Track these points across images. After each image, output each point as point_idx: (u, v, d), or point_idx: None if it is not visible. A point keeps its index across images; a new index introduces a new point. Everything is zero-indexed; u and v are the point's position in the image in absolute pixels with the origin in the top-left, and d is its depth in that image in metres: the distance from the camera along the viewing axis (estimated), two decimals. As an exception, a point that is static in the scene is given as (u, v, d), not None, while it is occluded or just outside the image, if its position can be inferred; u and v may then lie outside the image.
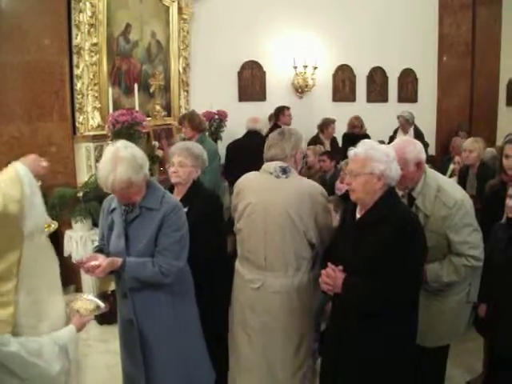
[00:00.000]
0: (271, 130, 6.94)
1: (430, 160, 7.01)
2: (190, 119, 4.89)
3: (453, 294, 2.74)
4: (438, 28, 8.69)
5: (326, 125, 6.93)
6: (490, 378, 3.22)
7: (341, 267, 2.30)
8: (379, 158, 2.26)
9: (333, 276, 2.29)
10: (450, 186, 2.72)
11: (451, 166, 6.27)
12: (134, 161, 2.29)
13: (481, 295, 2.91)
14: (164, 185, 2.78)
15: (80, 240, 4.48)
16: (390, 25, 8.06)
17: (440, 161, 7.32)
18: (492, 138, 8.65)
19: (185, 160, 3.02)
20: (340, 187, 4.73)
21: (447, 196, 2.60)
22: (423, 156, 2.68)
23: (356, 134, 6.75)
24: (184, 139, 4.68)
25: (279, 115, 6.76)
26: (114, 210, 2.49)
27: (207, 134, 6.26)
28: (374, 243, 2.22)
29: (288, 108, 6.89)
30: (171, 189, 3.08)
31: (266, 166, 2.77)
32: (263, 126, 5.96)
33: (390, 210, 2.28)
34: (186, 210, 2.74)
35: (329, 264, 2.34)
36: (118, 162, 2.24)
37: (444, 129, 8.81)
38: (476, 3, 8.78)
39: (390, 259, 2.17)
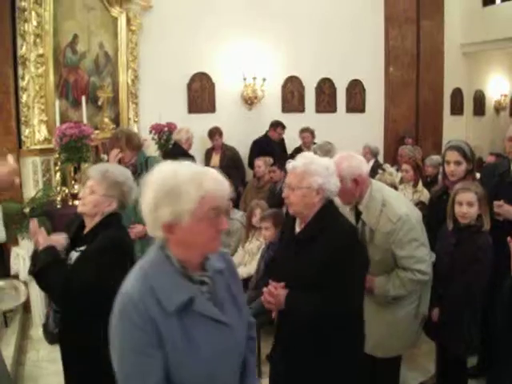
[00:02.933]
0: (261, 140, 7.22)
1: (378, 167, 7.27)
2: (129, 139, 3.81)
3: (401, 307, 2.78)
4: (384, 40, 8.98)
5: (276, 125, 7.24)
6: (441, 378, 3.34)
7: (282, 284, 2.29)
8: (318, 171, 2.25)
9: (275, 294, 2.29)
10: (395, 200, 2.73)
11: (399, 174, 6.48)
12: None
13: (433, 299, 2.98)
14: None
15: (27, 257, 4.29)
16: (337, 37, 8.27)
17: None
18: (438, 146, 9.04)
19: (96, 186, 2.37)
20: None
21: (392, 211, 2.62)
22: (360, 171, 2.66)
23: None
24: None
25: (271, 129, 7.25)
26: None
27: (156, 146, 6.23)
28: (314, 257, 2.21)
29: (283, 127, 7.30)
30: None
31: None
32: (182, 136, 5.89)
33: (328, 224, 2.27)
34: (77, 252, 2.34)
35: (270, 282, 2.34)
36: None
37: (391, 138, 9.08)
38: (420, 16, 9.14)
39: (330, 273, 2.16)
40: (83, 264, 2.26)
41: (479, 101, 10.91)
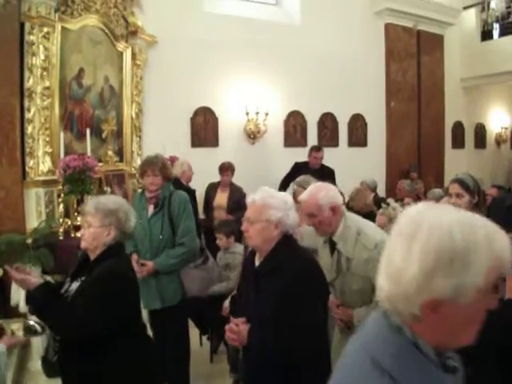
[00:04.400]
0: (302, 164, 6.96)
1: (380, 201, 7.23)
2: (163, 167, 3.78)
3: None
4: (385, 75, 9.10)
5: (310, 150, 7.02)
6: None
7: (243, 319, 2.28)
8: (277, 205, 2.30)
9: (236, 330, 2.27)
10: (370, 228, 2.75)
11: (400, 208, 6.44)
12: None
13: None
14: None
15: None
16: (339, 72, 8.39)
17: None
18: (440, 180, 9.05)
19: (92, 219, 2.39)
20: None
21: (367, 238, 2.61)
22: (337, 200, 2.70)
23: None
24: (142, 191, 3.97)
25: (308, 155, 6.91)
26: None
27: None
28: (271, 292, 2.21)
29: (317, 149, 6.93)
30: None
31: None
32: (177, 170, 5.73)
33: (285, 258, 2.28)
34: (78, 282, 2.41)
35: (231, 318, 2.34)
36: None
37: (393, 171, 9.08)
38: (420, 51, 9.31)
39: (285, 308, 2.16)
40: (82, 296, 2.29)
41: (480, 134, 10.97)
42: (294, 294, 2.16)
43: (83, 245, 2.42)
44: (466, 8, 10.00)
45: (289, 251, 2.32)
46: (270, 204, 2.29)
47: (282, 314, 2.15)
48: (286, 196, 2.46)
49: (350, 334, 2.62)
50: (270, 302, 2.18)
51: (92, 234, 2.38)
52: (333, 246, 2.73)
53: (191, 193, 5.41)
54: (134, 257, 3.69)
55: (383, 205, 6.69)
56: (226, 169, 6.51)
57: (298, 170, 6.80)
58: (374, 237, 2.62)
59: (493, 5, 10.21)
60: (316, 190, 2.69)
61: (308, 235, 3.10)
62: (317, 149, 6.89)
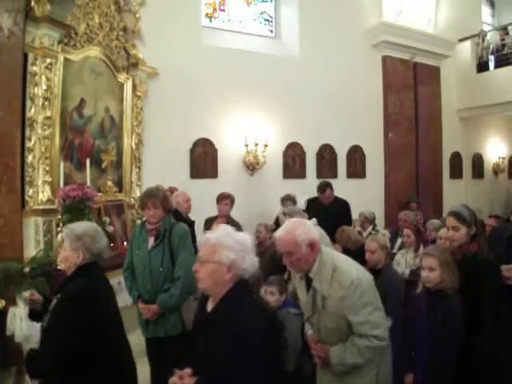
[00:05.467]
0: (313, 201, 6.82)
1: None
2: (164, 199, 3.79)
3: (360, 376, 2.62)
4: (382, 106, 9.23)
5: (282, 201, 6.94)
6: None
7: (188, 371, 2.06)
8: (231, 246, 2.13)
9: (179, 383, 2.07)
10: (345, 264, 2.65)
11: (399, 240, 6.43)
12: None
13: (405, 364, 2.93)
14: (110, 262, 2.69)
15: (25, 317, 4.13)
16: (337, 104, 8.52)
17: (389, 234, 7.48)
18: (438, 210, 9.04)
19: (65, 244, 2.74)
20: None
21: (343, 275, 2.54)
22: (314, 236, 2.60)
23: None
24: (143, 222, 3.94)
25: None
26: None
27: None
28: (220, 343, 2.04)
29: (322, 191, 6.61)
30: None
31: None
32: (173, 201, 5.66)
33: (237, 306, 2.09)
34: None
35: (175, 371, 2.11)
36: None
37: (392, 202, 9.10)
38: (417, 82, 9.50)
39: (238, 363, 1.97)
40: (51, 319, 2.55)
41: (478, 164, 11.07)
42: (244, 348, 1.97)
43: (60, 266, 2.83)
44: (461, 40, 10.24)
45: (242, 298, 2.13)
46: (224, 244, 2.12)
47: (232, 369, 1.96)
48: (245, 237, 2.25)
49: (328, 370, 2.58)
50: (219, 355, 2.00)
51: (63, 257, 2.73)
52: (309, 282, 2.65)
53: (190, 224, 5.36)
54: (140, 303, 3.73)
55: (372, 231, 6.68)
56: (225, 197, 6.10)
57: (312, 207, 6.78)
58: (349, 273, 2.54)
59: (488, 37, 10.47)
60: (293, 226, 2.59)
61: None
62: (321, 190, 6.64)
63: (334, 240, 5.54)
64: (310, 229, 2.61)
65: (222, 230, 2.24)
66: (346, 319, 2.52)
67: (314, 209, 6.73)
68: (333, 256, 2.68)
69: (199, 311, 2.34)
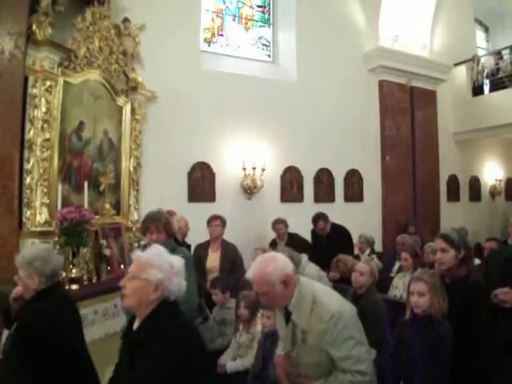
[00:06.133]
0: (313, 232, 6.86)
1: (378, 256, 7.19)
2: (167, 223, 3.79)
3: None
4: (379, 130, 9.27)
5: (273, 225, 6.97)
6: None
7: None
8: (161, 265, 2.13)
9: None
10: (326, 296, 2.57)
11: (397, 263, 6.40)
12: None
13: None
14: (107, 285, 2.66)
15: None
16: (334, 128, 8.56)
17: (387, 257, 7.46)
18: (436, 233, 8.92)
19: (20, 272, 2.73)
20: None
21: (323, 308, 2.46)
22: (287, 271, 2.51)
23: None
24: (144, 246, 3.82)
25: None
26: None
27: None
28: (143, 367, 1.99)
29: (315, 223, 6.75)
30: None
31: None
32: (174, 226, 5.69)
33: (161, 328, 2.06)
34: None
35: None
36: None
37: (390, 225, 9.07)
38: (414, 106, 9.56)
39: (161, 381, 1.94)
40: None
41: (475, 187, 11.08)
42: (167, 372, 1.93)
43: (24, 295, 2.76)
44: (456, 65, 10.38)
45: (166, 320, 2.09)
46: (154, 262, 2.12)
47: None
48: (177, 259, 2.26)
49: None
50: (142, 380, 1.95)
51: (22, 285, 2.74)
52: (288, 315, 2.56)
53: (187, 248, 5.34)
54: None
55: (366, 256, 6.67)
56: (216, 218, 5.82)
57: (314, 239, 6.91)
58: (330, 306, 2.46)
59: (482, 61, 10.60)
60: (263, 266, 2.49)
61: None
62: (314, 223, 6.76)
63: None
64: (281, 264, 2.52)
65: (154, 249, 2.24)
66: (327, 354, 2.43)
67: (315, 240, 6.77)
68: (312, 288, 2.58)
69: (126, 330, 2.28)
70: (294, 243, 6.15)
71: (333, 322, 2.40)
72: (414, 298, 2.94)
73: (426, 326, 2.87)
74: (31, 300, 2.66)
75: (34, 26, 4.72)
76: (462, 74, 10.54)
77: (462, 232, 8.13)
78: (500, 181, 11.59)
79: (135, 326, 2.18)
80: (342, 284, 4.93)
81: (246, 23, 8.53)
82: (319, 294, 2.55)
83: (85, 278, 4.84)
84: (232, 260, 5.71)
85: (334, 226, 6.82)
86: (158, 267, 2.11)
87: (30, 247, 3.10)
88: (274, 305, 2.56)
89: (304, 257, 4.34)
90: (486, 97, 10.30)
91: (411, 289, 2.99)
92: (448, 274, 3.11)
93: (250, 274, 2.54)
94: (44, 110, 4.83)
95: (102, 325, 4.50)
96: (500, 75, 10.22)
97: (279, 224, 6.89)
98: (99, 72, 5.68)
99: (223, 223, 5.87)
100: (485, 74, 10.51)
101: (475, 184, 11.07)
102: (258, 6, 8.69)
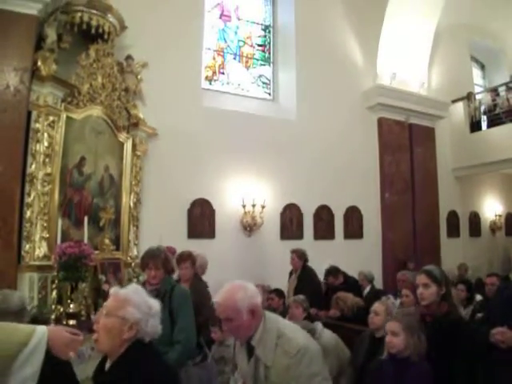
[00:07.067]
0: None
1: (378, 293, 7.09)
2: (165, 260, 3.71)
3: None
4: (379, 167, 9.33)
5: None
6: None
7: None
8: (138, 305, 2.07)
9: None
10: (291, 331, 2.47)
11: (398, 300, 6.31)
12: None
13: None
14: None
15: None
16: (334, 165, 8.61)
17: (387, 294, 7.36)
18: (435, 269, 8.88)
19: None
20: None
21: (289, 343, 2.36)
22: (256, 301, 2.44)
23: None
24: (143, 283, 3.80)
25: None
26: None
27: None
28: None
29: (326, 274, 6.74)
30: None
31: None
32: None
33: (135, 368, 1.98)
34: None
35: None
36: None
37: (390, 262, 9.01)
38: (413, 143, 9.64)
39: None
40: None
41: (474, 222, 11.06)
42: None
43: None
44: (454, 101, 10.56)
45: (138, 362, 2.00)
46: (132, 301, 2.06)
47: None
48: (154, 302, 2.19)
49: None
50: None
51: None
52: (251, 350, 2.46)
53: (205, 285, 5.34)
54: None
55: (383, 297, 6.58)
56: (185, 259, 4.95)
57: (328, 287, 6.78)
58: (295, 341, 2.37)
59: (479, 97, 10.81)
60: (232, 291, 2.42)
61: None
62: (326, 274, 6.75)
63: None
64: (252, 294, 2.44)
65: (133, 287, 2.17)
66: None
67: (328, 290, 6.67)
68: (278, 323, 2.49)
69: (96, 371, 2.18)
70: (304, 279, 6.20)
71: (298, 356, 2.31)
72: (387, 337, 2.86)
73: (402, 368, 2.77)
74: None
75: (39, 62, 4.84)
76: (459, 110, 10.70)
77: (462, 268, 8.09)
78: (500, 216, 11.58)
79: (107, 366, 2.09)
80: (342, 322, 4.86)
81: (247, 62, 8.73)
82: (285, 329, 2.45)
83: (83, 313, 4.78)
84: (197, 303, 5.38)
85: (346, 277, 6.79)
86: (136, 306, 2.05)
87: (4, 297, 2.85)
88: (236, 334, 2.46)
89: (318, 324, 4.27)
90: (484, 133, 10.43)
91: (386, 328, 2.92)
92: (429, 311, 3.04)
93: (219, 297, 2.45)
94: (46, 144, 4.90)
95: (98, 361, 4.39)
96: (497, 111, 10.37)
97: (291, 254, 6.66)
98: (101, 108, 5.76)
99: (193, 263, 5.07)
100: (482, 111, 10.68)
101: (475, 219, 11.06)
102: (259, 45, 8.92)
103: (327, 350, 3.78)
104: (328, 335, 4.16)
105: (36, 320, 3.98)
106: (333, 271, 6.67)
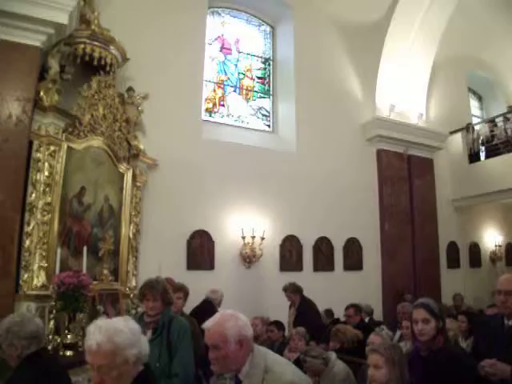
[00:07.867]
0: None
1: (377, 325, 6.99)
2: (164, 292, 3.66)
3: None
4: (378, 198, 9.33)
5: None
6: None
7: None
8: (128, 341, 1.97)
9: None
10: (280, 366, 2.40)
11: (398, 332, 6.24)
12: None
13: None
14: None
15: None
16: (333, 197, 8.63)
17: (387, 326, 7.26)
18: (437, 300, 8.73)
19: (2, 344, 2.76)
20: (289, 357, 4.60)
21: (275, 378, 2.29)
22: (246, 332, 2.37)
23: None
24: (141, 315, 3.73)
25: None
26: None
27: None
28: None
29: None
30: None
31: None
32: (217, 297, 5.97)
33: None
34: None
35: None
36: None
37: (390, 294, 8.91)
38: (412, 174, 9.68)
39: None
40: None
41: (475, 253, 11.00)
42: None
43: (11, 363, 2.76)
44: (452, 133, 10.65)
45: None
46: (121, 344, 1.94)
47: None
48: (131, 324, 2.07)
49: None
50: None
51: (7, 356, 2.75)
52: None
53: None
54: None
55: (377, 328, 6.50)
56: (178, 289, 4.88)
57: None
58: (283, 376, 2.29)
59: (477, 128, 10.90)
60: (223, 319, 2.36)
61: None
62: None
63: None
64: (242, 324, 2.38)
65: (107, 331, 1.96)
66: None
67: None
68: (266, 357, 2.41)
69: None
70: (304, 312, 6.15)
71: None
72: (369, 371, 2.73)
73: None
74: (16, 369, 2.62)
75: (41, 93, 4.92)
76: (458, 141, 10.77)
77: (458, 298, 7.97)
78: (500, 246, 11.53)
79: None
80: (342, 354, 4.79)
81: (247, 94, 8.86)
82: (273, 363, 2.38)
83: (80, 343, 4.69)
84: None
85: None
86: (128, 345, 1.96)
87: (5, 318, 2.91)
88: (223, 364, 2.35)
89: (332, 354, 4.22)
90: (482, 163, 10.46)
91: (368, 361, 2.79)
92: (425, 345, 2.97)
93: (208, 323, 2.38)
94: (47, 174, 4.93)
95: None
96: (495, 142, 10.44)
97: (284, 293, 6.56)
98: (102, 139, 5.81)
99: (186, 295, 5.11)
100: (480, 141, 10.74)
101: (475, 250, 11.01)
102: (259, 78, 9.07)
103: (338, 381, 3.82)
104: (341, 367, 4.09)
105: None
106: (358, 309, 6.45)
